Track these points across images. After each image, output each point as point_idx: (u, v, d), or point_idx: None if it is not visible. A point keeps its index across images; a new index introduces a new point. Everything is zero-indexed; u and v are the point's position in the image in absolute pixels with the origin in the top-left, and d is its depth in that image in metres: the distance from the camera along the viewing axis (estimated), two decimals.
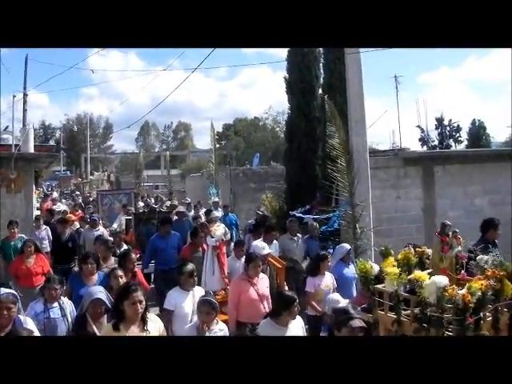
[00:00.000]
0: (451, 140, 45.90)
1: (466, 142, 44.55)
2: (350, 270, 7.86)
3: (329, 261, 7.50)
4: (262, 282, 6.63)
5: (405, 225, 11.93)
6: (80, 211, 16.33)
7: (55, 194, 28.75)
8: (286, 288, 7.54)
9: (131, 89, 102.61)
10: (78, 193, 30.17)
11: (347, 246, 8.23)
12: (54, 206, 17.63)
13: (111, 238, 11.00)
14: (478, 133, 42.87)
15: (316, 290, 7.18)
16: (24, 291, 7.83)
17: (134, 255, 7.32)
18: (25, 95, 20.49)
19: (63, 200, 25.60)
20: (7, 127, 18.40)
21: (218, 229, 9.20)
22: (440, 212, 12.27)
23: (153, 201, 22.39)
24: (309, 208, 11.69)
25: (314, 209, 11.67)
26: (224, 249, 8.98)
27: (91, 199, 21.17)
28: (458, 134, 46.52)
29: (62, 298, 5.78)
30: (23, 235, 10.40)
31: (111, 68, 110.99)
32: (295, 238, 9.84)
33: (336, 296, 6.45)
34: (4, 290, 4.59)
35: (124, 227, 13.70)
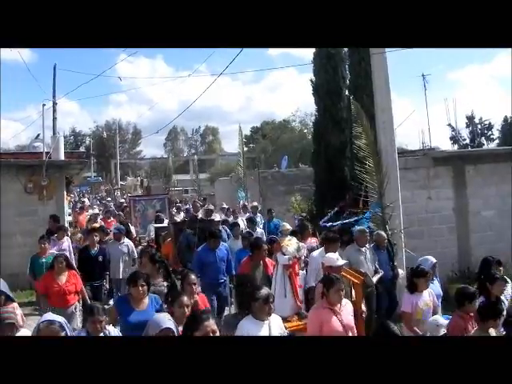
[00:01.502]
0: (483, 138, 45.13)
1: (498, 141, 43.78)
2: (435, 286, 7.00)
3: (427, 278, 6.40)
4: (346, 310, 5.63)
5: (436, 226, 11.73)
6: (112, 218, 15.94)
7: (86, 201, 29.15)
8: (364, 307, 6.84)
9: (159, 94, 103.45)
10: (109, 199, 30.24)
11: (433, 260, 7.24)
12: (87, 213, 17.48)
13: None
14: (510, 130, 42.04)
15: (414, 310, 6.24)
16: (56, 311, 7.04)
17: (194, 276, 6.12)
18: (54, 103, 20.81)
19: (95, 206, 25.81)
20: (38, 135, 18.74)
21: (291, 244, 7.83)
22: (472, 212, 12.04)
23: (189, 206, 21.76)
24: (337, 210, 11.58)
25: (344, 211, 11.57)
26: (297, 268, 7.75)
27: (125, 205, 20.36)
28: (489, 132, 45.75)
29: (106, 327, 5.03)
30: (55, 251, 9.55)
31: (139, 74, 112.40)
32: (363, 250, 8.44)
33: (436, 318, 5.97)
34: (46, 317, 4.19)
35: (153, 236, 12.89)
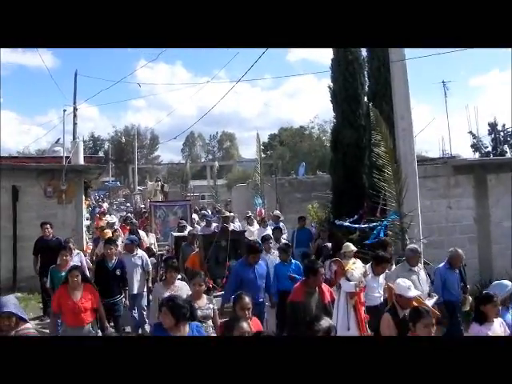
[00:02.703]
0: (506, 146, 44.47)
1: None
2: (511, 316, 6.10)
3: (495, 303, 5.48)
4: None
5: (457, 235, 11.54)
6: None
7: (105, 205, 29.21)
8: None
9: (178, 100, 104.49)
10: (128, 205, 29.94)
11: (509, 284, 6.26)
12: (105, 218, 17.23)
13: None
14: None
15: None
16: (71, 331, 6.91)
17: (248, 300, 5.36)
18: (75, 109, 21.07)
19: (114, 212, 25.75)
20: (58, 140, 18.92)
21: (356, 268, 6.87)
22: (494, 222, 11.81)
23: (209, 212, 21.25)
24: (357, 218, 11.40)
25: (362, 219, 11.42)
26: (362, 296, 6.81)
27: (144, 210, 19.99)
28: None
29: None
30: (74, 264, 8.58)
31: (158, 80, 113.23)
32: (415, 269, 7.58)
33: None
34: None
35: (173, 246, 11.95)
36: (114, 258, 8.81)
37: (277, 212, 15.12)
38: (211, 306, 6.34)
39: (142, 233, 13.33)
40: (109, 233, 12.00)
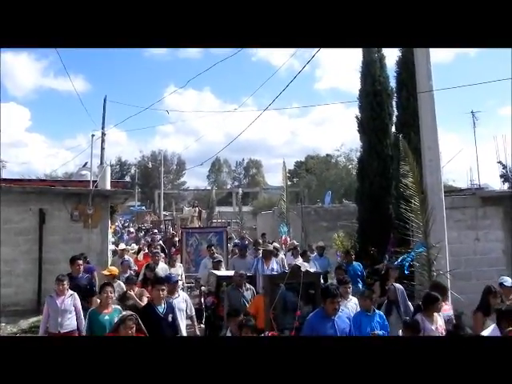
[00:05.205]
0: None
1: None
2: None
3: None
4: None
5: (485, 268, 11.31)
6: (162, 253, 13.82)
7: (132, 230, 29.16)
8: None
9: (206, 126, 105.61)
10: (156, 231, 28.97)
11: None
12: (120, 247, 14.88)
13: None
14: None
15: None
16: None
17: None
18: (103, 134, 21.37)
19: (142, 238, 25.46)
20: (86, 164, 19.20)
21: None
22: None
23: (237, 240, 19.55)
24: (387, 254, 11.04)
25: (388, 250, 11.29)
26: None
27: (177, 239, 18.93)
28: None
29: None
30: (119, 307, 7.42)
31: (187, 106, 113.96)
32: None
33: None
34: None
35: (214, 288, 9.70)
36: (163, 301, 7.10)
37: (321, 243, 13.30)
38: None
39: (162, 265, 11.56)
40: (113, 270, 10.42)
